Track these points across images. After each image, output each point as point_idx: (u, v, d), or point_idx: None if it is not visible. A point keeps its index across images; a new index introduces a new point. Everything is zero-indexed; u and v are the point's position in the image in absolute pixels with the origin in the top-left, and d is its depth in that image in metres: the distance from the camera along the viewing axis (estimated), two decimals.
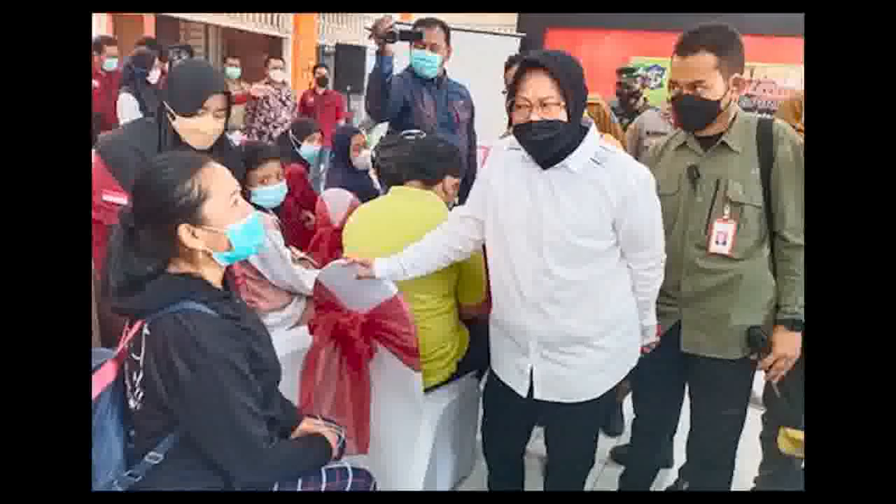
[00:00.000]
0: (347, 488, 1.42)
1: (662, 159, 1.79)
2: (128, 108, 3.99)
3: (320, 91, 6.50)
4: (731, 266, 1.66)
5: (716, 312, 1.69)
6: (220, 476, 1.25)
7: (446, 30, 2.72)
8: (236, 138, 4.89)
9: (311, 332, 1.93)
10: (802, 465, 1.91)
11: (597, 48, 6.58)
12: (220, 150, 1.91)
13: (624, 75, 3.96)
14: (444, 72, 2.82)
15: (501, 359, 1.72)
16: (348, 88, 6.76)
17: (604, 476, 2.35)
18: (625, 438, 2.42)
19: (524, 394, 1.65)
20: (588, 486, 1.98)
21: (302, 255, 2.69)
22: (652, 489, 2.13)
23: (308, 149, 3.60)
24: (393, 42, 2.37)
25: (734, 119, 1.66)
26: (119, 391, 1.25)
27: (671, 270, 1.66)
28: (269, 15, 8.16)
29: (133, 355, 1.19)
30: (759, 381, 1.83)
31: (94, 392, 1.20)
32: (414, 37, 2.58)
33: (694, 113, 1.63)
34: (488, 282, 1.77)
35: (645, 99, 4.04)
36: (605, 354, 1.60)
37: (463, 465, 2.25)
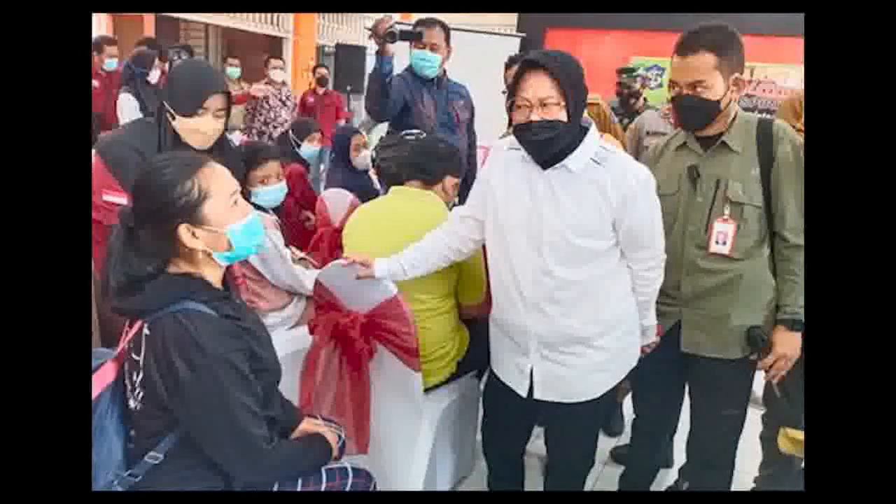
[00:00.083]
0: (347, 488, 1.42)
1: (662, 159, 1.79)
2: (128, 108, 3.99)
3: (320, 91, 6.50)
4: (731, 266, 1.66)
5: (716, 312, 1.69)
6: (220, 476, 1.25)
7: (446, 30, 2.72)
8: (236, 138, 4.89)
9: (311, 332, 1.93)
10: (802, 465, 1.91)
11: (597, 48, 6.58)
12: (220, 150, 1.91)
13: (624, 75, 3.96)
14: (444, 72, 2.82)
15: (501, 359, 1.72)
16: (348, 88, 6.76)
17: (604, 476, 2.36)
18: (625, 438, 2.42)
19: (524, 394, 1.65)
20: (588, 486, 1.98)
21: (302, 255, 2.69)
22: (652, 489, 2.13)
23: (308, 149, 3.60)
24: (393, 42, 2.37)
25: (734, 119, 1.66)
26: (119, 391, 1.25)
27: (671, 270, 1.66)
28: (269, 15, 8.16)
29: (133, 355, 1.19)
30: (759, 381, 1.83)
31: (94, 392, 1.20)
32: (414, 37, 2.58)
33: (694, 113, 1.63)
34: (488, 282, 1.77)
35: (645, 99, 4.04)
36: (605, 354, 1.60)
37: (463, 465, 2.25)
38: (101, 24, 6.11)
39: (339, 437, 1.50)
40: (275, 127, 5.45)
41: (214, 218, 1.21)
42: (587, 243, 1.49)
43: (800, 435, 1.72)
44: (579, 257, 1.50)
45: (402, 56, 2.67)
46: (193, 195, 1.18)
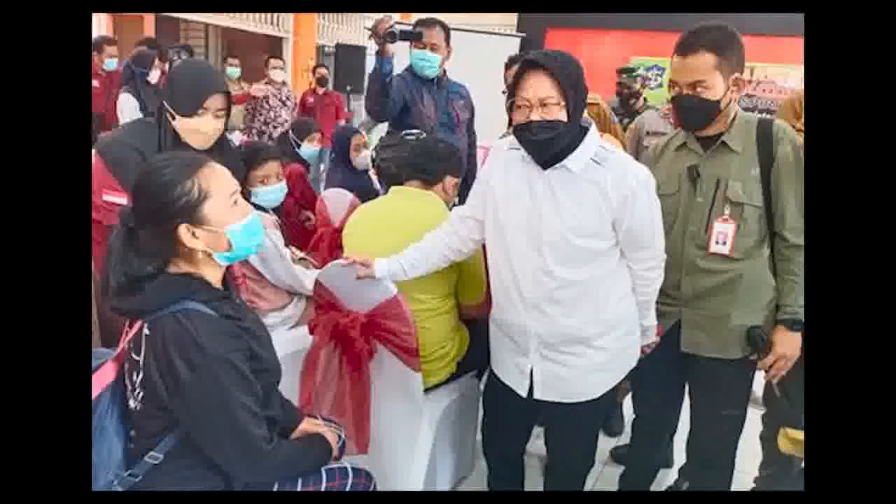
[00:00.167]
0: (347, 488, 1.42)
1: (662, 159, 1.79)
2: (128, 108, 3.99)
3: (320, 91, 6.50)
4: (731, 266, 1.66)
5: (716, 312, 1.69)
6: (220, 476, 1.25)
7: (446, 30, 2.72)
8: (236, 138, 4.89)
9: (311, 332, 1.93)
10: (802, 465, 1.91)
11: (597, 48, 6.59)
12: (220, 150, 1.91)
13: (624, 75, 3.96)
14: (444, 72, 2.82)
15: (501, 359, 1.72)
16: (348, 88, 6.76)
17: (604, 476, 2.36)
18: (625, 438, 2.42)
19: (524, 394, 1.65)
20: (588, 486, 1.98)
21: (302, 255, 2.69)
22: (652, 489, 2.13)
23: (308, 149, 3.60)
24: (393, 42, 2.37)
25: (734, 119, 1.66)
26: (119, 391, 1.25)
27: (671, 270, 1.66)
28: (269, 15, 8.16)
29: (133, 355, 1.19)
30: (759, 381, 1.83)
31: (94, 392, 1.20)
32: (414, 37, 2.58)
33: (694, 113, 1.63)
34: (488, 282, 1.77)
35: (645, 99, 4.04)
36: (605, 354, 1.60)
37: (463, 465, 2.25)
38: (101, 24, 6.10)
39: (339, 437, 1.50)
40: (275, 127, 5.45)
41: (214, 218, 1.21)
42: (587, 243, 1.49)
43: (800, 435, 1.72)
44: (579, 257, 1.50)
45: (402, 56, 2.67)
46: (193, 195, 1.18)
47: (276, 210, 2.37)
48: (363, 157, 3.45)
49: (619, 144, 2.21)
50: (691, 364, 1.78)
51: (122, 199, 1.75)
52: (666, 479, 2.33)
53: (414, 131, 2.61)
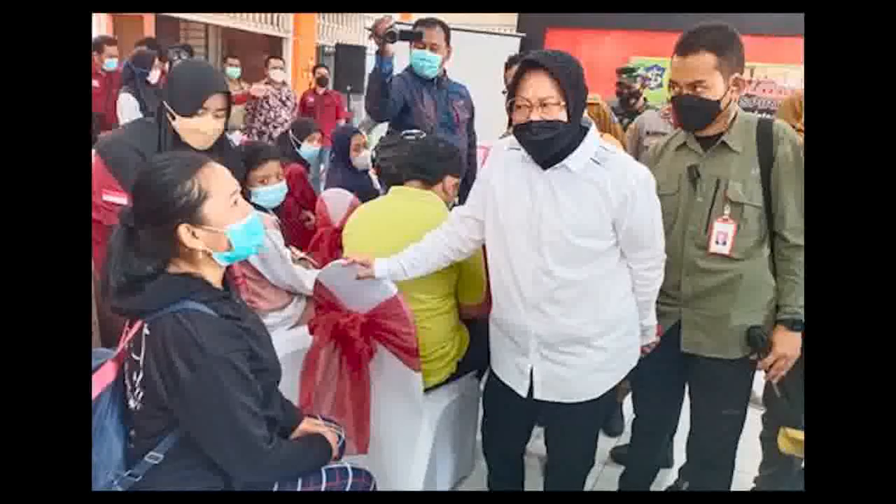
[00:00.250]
0: (347, 488, 1.42)
1: (662, 159, 1.79)
2: (128, 108, 3.99)
3: (320, 91, 6.50)
4: (731, 266, 1.66)
5: (716, 312, 1.69)
6: (220, 476, 1.25)
7: (446, 30, 2.72)
8: (236, 138, 4.89)
9: (311, 332, 1.93)
10: (802, 465, 1.91)
11: (597, 48, 6.58)
12: (220, 150, 1.91)
13: (624, 75, 3.96)
14: (444, 72, 2.82)
15: (501, 359, 1.72)
16: (348, 88, 6.76)
17: (604, 476, 2.36)
18: (625, 438, 2.42)
19: (524, 394, 1.65)
20: (588, 486, 1.98)
21: (302, 255, 2.69)
22: (652, 489, 2.13)
23: (308, 149, 3.60)
24: (393, 42, 2.37)
25: (734, 119, 1.66)
26: (119, 391, 1.25)
27: (671, 270, 1.66)
28: (269, 15, 8.16)
29: (133, 355, 1.19)
30: (759, 381, 1.83)
31: (94, 392, 1.20)
32: (414, 37, 2.58)
33: (694, 113, 1.63)
34: (488, 282, 1.77)
35: (645, 99, 4.04)
36: (605, 354, 1.60)
37: (463, 465, 2.25)
38: (101, 24, 6.11)
39: (339, 437, 1.50)
40: (275, 127, 5.44)
41: (214, 218, 1.21)
42: (587, 243, 1.49)
43: (800, 435, 1.71)
44: (579, 257, 1.50)
45: (402, 56, 2.67)
46: (193, 195, 1.18)
47: (276, 210, 2.37)
48: (363, 157, 3.45)
49: (619, 144, 2.21)
50: (691, 364, 1.78)
51: (122, 199, 1.75)
52: (666, 479, 2.33)
53: (414, 131, 2.61)
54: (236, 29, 7.90)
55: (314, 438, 1.43)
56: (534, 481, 2.03)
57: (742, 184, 1.63)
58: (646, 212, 1.51)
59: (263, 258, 2.17)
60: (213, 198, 1.20)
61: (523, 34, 6.66)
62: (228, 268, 1.33)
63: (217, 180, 1.22)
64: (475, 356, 2.05)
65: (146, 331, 1.17)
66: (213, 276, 1.26)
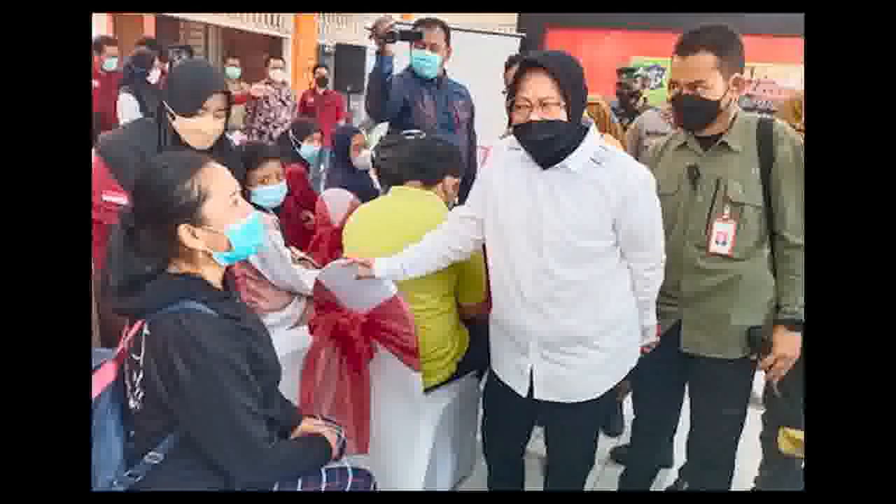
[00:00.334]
0: (347, 488, 1.42)
1: (662, 159, 1.79)
2: (128, 108, 3.99)
3: (320, 91, 6.50)
4: (731, 266, 1.66)
5: (716, 312, 1.69)
6: (220, 476, 1.25)
7: (446, 30, 2.72)
8: (236, 138, 4.89)
9: (311, 332, 1.93)
10: (802, 465, 1.91)
11: (597, 48, 6.58)
12: (220, 150, 1.91)
13: (624, 75, 3.95)
14: (444, 72, 2.82)
15: (501, 359, 1.72)
16: (348, 88, 6.76)
17: (604, 476, 2.35)
18: (625, 438, 2.42)
19: (524, 394, 1.65)
20: (588, 486, 1.98)
21: (302, 255, 2.69)
22: (652, 489, 2.13)
23: (308, 149, 3.60)
24: (393, 42, 2.37)
25: (734, 119, 1.66)
26: (119, 391, 1.25)
27: (671, 270, 1.66)
28: (269, 15, 8.16)
29: (133, 355, 1.19)
30: (759, 381, 1.83)
31: (94, 392, 1.20)
32: (414, 37, 2.58)
33: (694, 113, 1.63)
34: (488, 282, 1.77)
35: (645, 99, 4.04)
36: (606, 354, 1.60)
37: (463, 465, 2.25)
38: (101, 24, 6.11)
39: (339, 437, 1.50)
40: (275, 127, 5.45)
41: (214, 218, 1.21)
42: (587, 243, 1.49)
43: (800, 435, 1.71)
44: (579, 257, 1.50)
45: (402, 56, 2.67)
46: (193, 195, 1.18)
47: (276, 210, 2.37)
48: (363, 157, 3.45)
49: (619, 144, 2.21)
50: (691, 364, 1.78)
51: (122, 199, 1.75)
52: (666, 479, 2.33)
53: (414, 131, 2.60)
54: (236, 29, 7.91)
55: (314, 438, 1.42)
56: (534, 481, 2.03)
57: (742, 184, 1.63)
58: (646, 212, 1.51)
59: (263, 258, 2.17)
60: (213, 198, 1.21)
61: (523, 34, 6.65)
62: (228, 268, 1.33)
63: (217, 180, 1.22)
64: (475, 356, 2.05)
65: (146, 331, 1.17)
66: (213, 276, 1.26)
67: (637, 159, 1.60)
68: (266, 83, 5.51)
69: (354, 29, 9.62)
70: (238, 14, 7.61)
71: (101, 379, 1.23)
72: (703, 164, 1.68)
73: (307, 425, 1.48)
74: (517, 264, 1.56)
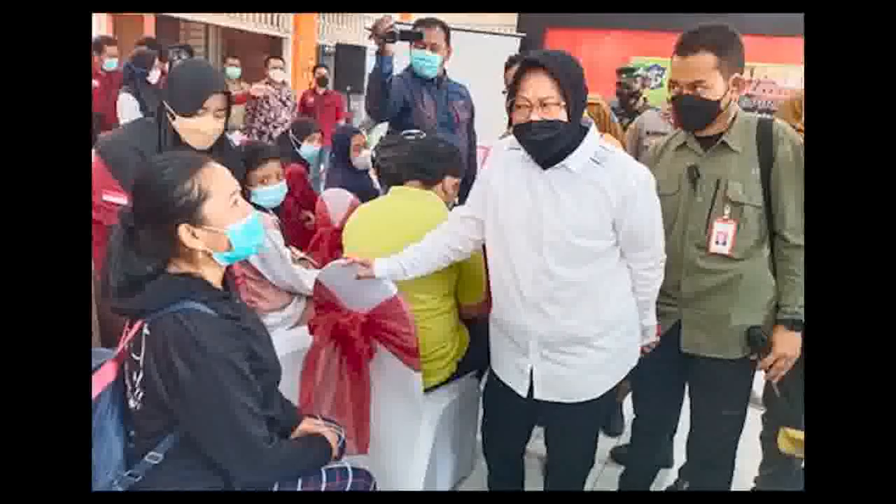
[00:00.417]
0: (347, 488, 1.42)
1: (662, 159, 1.79)
2: (128, 108, 3.99)
3: (320, 91, 6.50)
4: (731, 266, 1.66)
5: (716, 312, 1.69)
6: (220, 476, 1.25)
7: (446, 30, 2.72)
8: (236, 138, 4.89)
9: (311, 332, 1.93)
10: (802, 465, 1.91)
11: (597, 48, 6.58)
12: (220, 150, 1.91)
13: (624, 75, 3.95)
14: (444, 72, 2.82)
15: (501, 359, 1.72)
16: (348, 88, 6.76)
17: (604, 476, 2.35)
18: (625, 438, 2.42)
19: (524, 394, 1.65)
20: (588, 486, 1.98)
21: (302, 255, 2.69)
22: (652, 489, 2.13)
23: (308, 149, 3.60)
24: (393, 42, 2.37)
25: (734, 119, 1.66)
26: (119, 391, 1.25)
27: (671, 270, 1.66)
28: (269, 15, 8.16)
29: (133, 355, 1.19)
30: (759, 381, 1.83)
31: (94, 392, 1.20)
32: (414, 37, 2.58)
33: (694, 113, 1.63)
34: (488, 282, 1.77)
35: (645, 99, 4.04)
36: (606, 354, 1.60)
37: (463, 465, 2.25)
38: (101, 24, 6.11)
39: (339, 437, 1.50)
40: (275, 127, 5.44)
41: (214, 218, 1.21)
42: (587, 243, 1.49)
43: (800, 435, 1.71)
44: (579, 257, 1.50)
45: (402, 56, 2.67)
46: (193, 195, 1.18)
47: (276, 210, 2.37)
48: (363, 157, 3.45)
49: (619, 144, 2.21)
50: (691, 364, 1.78)
51: (122, 199, 1.75)
52: (666, 479, 2.33)
53: (414, 131, 2.61)
54: (236, 29, 7.90)
55: (314, 438, 1.42)
56: (534, 481, 2.03)
57: (742, 184, 1.63)
58: (646, 212, 1.51)
59: (263, 258, 2.17)
60: (213, 198, 1.20)
61: (523, 34, 6.65)
62: (228, 268, 1.33)
63: (217, 180, 1.22)
64: (475, 356, 2.05)
65: (146, 331, 1.17)
66: (213, 276, 1.26)
67: (637, 159, 1.60)
68: (266, 83, 5.51)
69: (354, 29, 9.62)
70: (238, 14, 7.61)
71: (101, 379, 1.23)
72: (703, 164, 1.68)
73: (307, 425, 1.48)
74: (517, 264, 1.56)
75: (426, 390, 1.93)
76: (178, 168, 1.20)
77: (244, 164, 2.15)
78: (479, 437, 1.93)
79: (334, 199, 3.02)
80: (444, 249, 1.77)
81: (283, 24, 8.46)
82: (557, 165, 1.48)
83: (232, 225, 1.23)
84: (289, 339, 2.16)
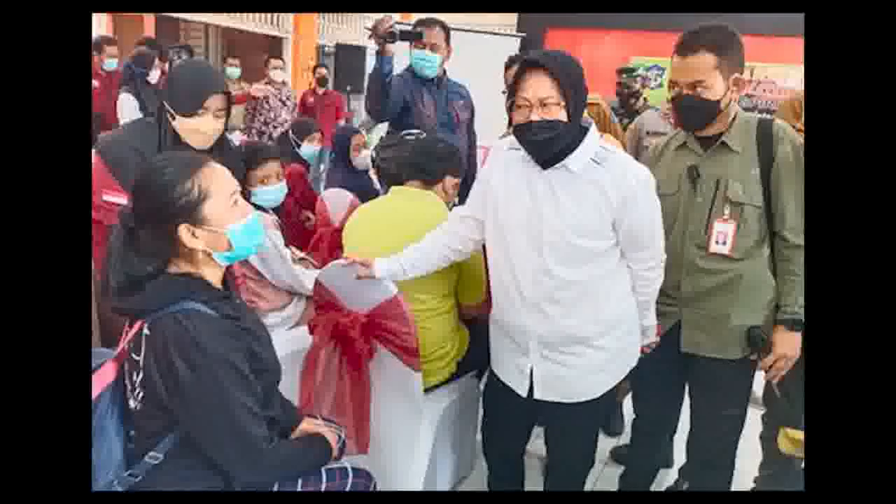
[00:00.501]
0: (347, 488, 1.42)
1: (662, 159, 1.79)
2: (128, 108, 3.99)
3: (320, 91, 6.50)
4: (731, 266, 1.66)
5: (716, 312, 1.69)
6: (220, 476, 1.25)
7: (446, 30, 2.72)
8: (236, 138, 4.89)
9: (311, 332, 1.93)
10: (802, 465, 1.91)
11: (597, 48, 6.59)
12: (220, 150, 1.91)
13: (624, 75, 3.96)
14: (444, 72, 2.82)
15: (501, 359, 1.72)
16: (348, 88, 6.76)
17: (604, 476, 2.35)
18: (625, 438, 2.42)
19: (524, 394, 1.65)
20: (588, 486, 1.98)
21: (302, 255, 2.69)
22: (652, 489, 2.13)
23: (308, 149, 3.60)
24: (393, 42, 2.37)
25: (734, 119, 1.66)
26: (119, 391, 1.25)
27: (671, 270, 1.66)
28: (269, 15, 8.16)
29: (133, 355, 1.19)
30: (759, 381, 1.83)
31: (94, 392, 1.20)
32: (414, 37, 2.58)
33: (694, 113, 1.63)
34: (488, 282, 1.77)
35: (645, 99, 4.04)
36: (605, 354, 1.60)
37: (463, 465, 2.25)
38: (101, 24, 6.11)
39: (339, 437, 1.50)
40: (275, 127, 5.44)
41: (214, 218, 1.21)
42: (587, 243, 1.49)
43: (800, 435, 1.71)
44: (579, 257, 1.50)
45: (402, 56, 2.67)
46: (193, 195, 1.18)
47: (276, 210, 2.37)
48: (363, 157, 3.45)
49: (619, 144, 2.21)
50: (691, 364, 1.78)
51: (122, 199, 1.75)
52: (666, 479, 2.33)
53: (414, 131, 2.60)
54: (236, 29, 7.91)
55: (314, 438, 1.42)
56: (534, 481, 2.03)
57: (742, 184, 1.63)
58: (646, 212, 1.51)
59: (263, 258, 2.17)
60: (213, 198, 1.20)
61: (523, 34, 6.66)
62: (228, 268, 1.33)
63: (217, 180, 1.22)
64: (475, 356, 2.05)
65: (146, 331, 1.17)
66: (213, 276, 1.26)
67: (637, 159, 1.60)
68: (266, 83, 5.51)
69: (354, 29, 9.62)
70: (238, 14, 7.61)
71: (101, 379, 1.23)
72: (703, 164, 1.68)
73: (307, 425, 1.48)
74: (517, 264, 1.56)
75: (426, 390, 1.93)
76: (179, 168, 1.20)
77: (244, 164, 2.15)
78: (479, 437, 1.93)
79: (334, 199, 3.02)
80: (444, 249, 1.77)
81: (283, 24, 8.46)
82: (557, 165, 1.48)
83: (232, 225, 1.23)
84: (289, 339, 2.16)
